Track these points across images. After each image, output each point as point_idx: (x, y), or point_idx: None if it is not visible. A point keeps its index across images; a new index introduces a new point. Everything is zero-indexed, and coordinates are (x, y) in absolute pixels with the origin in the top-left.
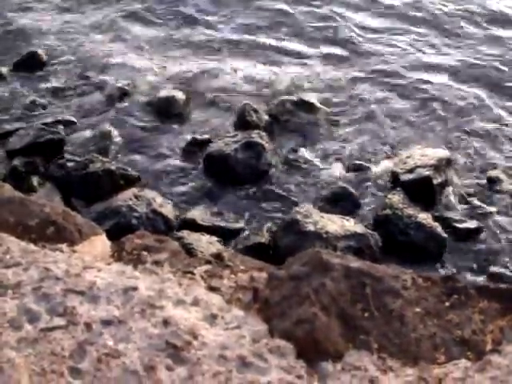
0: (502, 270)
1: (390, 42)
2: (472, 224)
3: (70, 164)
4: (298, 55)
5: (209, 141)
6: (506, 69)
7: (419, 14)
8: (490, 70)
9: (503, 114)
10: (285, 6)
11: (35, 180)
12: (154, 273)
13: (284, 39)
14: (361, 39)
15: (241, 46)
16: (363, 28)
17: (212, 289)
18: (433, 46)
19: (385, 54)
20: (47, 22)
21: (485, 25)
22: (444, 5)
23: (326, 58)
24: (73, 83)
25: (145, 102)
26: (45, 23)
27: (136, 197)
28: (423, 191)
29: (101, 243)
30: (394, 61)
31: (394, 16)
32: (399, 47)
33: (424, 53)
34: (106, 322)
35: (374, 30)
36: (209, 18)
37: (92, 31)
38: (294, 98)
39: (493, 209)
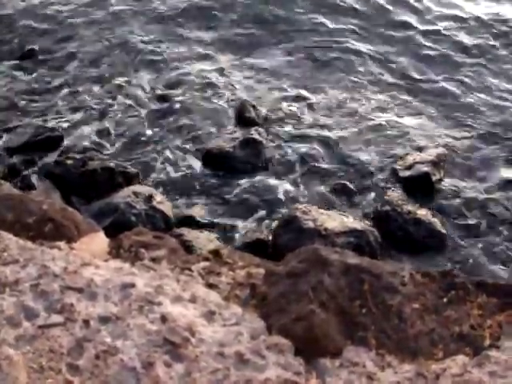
0: (501, 266)
1: None
2: (471, 220)
3: (68, 161)
4: None
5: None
6: None
7: None
8: None
9: None
10: None
11: (34, 177)
12: (152, 269)
13: None
14: None
15: None
16: None
17: (210, 285)
18: None
19: None
20: None
21: None
22: None
23: None
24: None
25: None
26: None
27: (135, 194)
28: (422, 187)
29: (99, 240)
30: None
31: None
32: None
33: None
34: (104, 319)
35: None
36: None
37: None
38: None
39: (493, 203)
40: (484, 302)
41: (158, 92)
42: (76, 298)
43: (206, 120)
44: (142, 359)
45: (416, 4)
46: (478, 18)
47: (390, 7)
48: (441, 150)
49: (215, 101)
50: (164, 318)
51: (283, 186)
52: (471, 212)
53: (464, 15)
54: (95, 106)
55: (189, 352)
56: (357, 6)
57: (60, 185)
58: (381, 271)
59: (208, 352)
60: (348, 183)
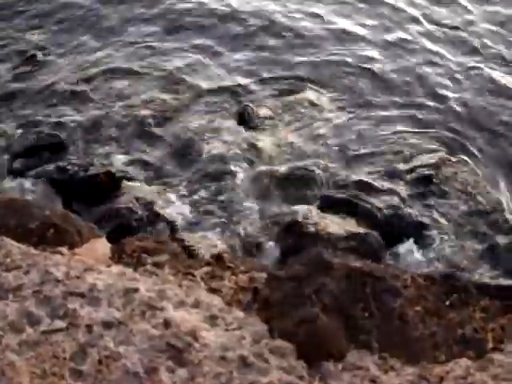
0: (504, 269)
1: None
2: (475, 223)
3: (69, 167)
4: None
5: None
6: None
7: None
8: None
9: None
10: None
11: (35, 183)
12: (155, 274)
13: None
14: None
15: None
16: None
17: (213, 290)
18: None
19: None
20: None
21: None
22: None
23: None
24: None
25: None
26: None
27: (137, 199)
28: (424, 190)
29: (101, 245)
30: None
31: None
32: None
33: None
34: (107, 324)
35: None
36: None
37: None
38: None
39: (497, 207)
40: (487, 305)
41: (157, 95)
42: (79, 303)
43: (207, 124)
44: (145, 364)
45: None
46: None
47: None
48: (444, 152)
49: (215, 104)
50: (167, 323)
51: (285, 191)
52: (475, 215)
53: None
54: (94, 110)
55: (192, 357)
56: None
57: (62, 190)
58: (383, 274)
59: (211, 356)
60: (350, 187)
